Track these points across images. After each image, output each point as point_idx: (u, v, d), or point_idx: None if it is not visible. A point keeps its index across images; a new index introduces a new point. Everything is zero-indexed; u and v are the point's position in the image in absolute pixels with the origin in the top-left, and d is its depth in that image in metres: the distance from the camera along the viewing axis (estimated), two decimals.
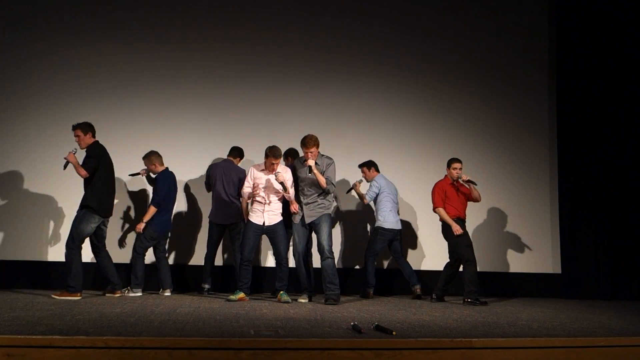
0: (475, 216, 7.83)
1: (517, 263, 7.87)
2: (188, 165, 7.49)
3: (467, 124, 8.03)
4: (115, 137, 6.98)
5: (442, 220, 6.77)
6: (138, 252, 6.55)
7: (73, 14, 7.60)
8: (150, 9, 7.73)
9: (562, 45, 8.17)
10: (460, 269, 6.79)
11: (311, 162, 6.13)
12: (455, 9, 8.21)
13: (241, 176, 6.83)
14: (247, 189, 6.26)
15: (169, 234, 6.92)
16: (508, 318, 5.13)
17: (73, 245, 5.99)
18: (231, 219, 6.85)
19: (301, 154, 6.44)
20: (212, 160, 7.43)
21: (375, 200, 7.16)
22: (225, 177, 6.85)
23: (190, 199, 7.52)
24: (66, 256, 6.01)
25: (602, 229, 7.84)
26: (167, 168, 6.73)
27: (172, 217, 6.85)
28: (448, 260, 6.89)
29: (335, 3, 8.04)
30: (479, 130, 8.03)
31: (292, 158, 6.99)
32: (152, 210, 6.53)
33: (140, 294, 6.46)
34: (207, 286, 6.82)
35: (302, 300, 6.20)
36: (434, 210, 6.83)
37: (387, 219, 7.03)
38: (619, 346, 3.90)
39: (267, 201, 6.18)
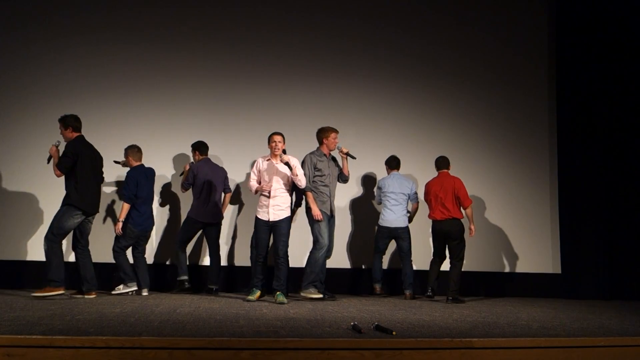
0: (475, 216, 7.84)
1: (517, 263, 7.87)
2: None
3: (467, 123, 8.03)
4: (114, 136, 7.00)
5: (469, 215, 6.90)
6: (117, 251, 6.46)
7: (73, 14, 7.60)
8: (150, 9, 7.73)
9: (562, 45, 8.17)
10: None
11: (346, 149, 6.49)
12: (456, 9, 8.21)
13: (224, 174, 7.02)
14: (253, 181, 6.14)
15: (150, 234, 6.76)
16: (508, 318, 5.12)
17: (53, 239, 5.91)
18: (215, 217, 6.87)
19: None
20: (211, 160, 7.45)
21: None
22: (213, 175, 6.85)
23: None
24: (46, 251, 5.91)
25: (602, 229, 7.83)
26: (141, 165, 6.63)
27: (153, 215, 6.72)
28: (432, 257, 7.05)
29: (335, 3, 8.04)
30: (479, 130, 8.04)
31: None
32: (125, 207, 6.43)
33: (135, 287, 6.42)
34: (186, 277, 6.77)
35: (317, 296, 6.21)
36: (469, 206, 6.86)
37: (384, 217, 7.09)
38: (619, 346, 3.90)
39: (273, 194, 6.04)
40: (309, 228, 6.50)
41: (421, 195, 7.28)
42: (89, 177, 6.09)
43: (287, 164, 5.98)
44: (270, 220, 6.04)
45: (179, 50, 7.68)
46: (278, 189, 6.06)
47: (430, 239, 7.23)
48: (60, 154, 6.08)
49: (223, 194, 7.04)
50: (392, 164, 7.28)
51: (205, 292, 6.84)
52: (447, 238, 6.86)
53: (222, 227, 7.13)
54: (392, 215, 7.06)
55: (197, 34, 7.75)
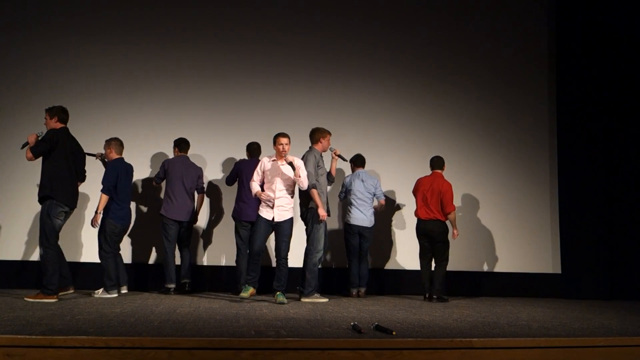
0: (475, 216, 7.86)
1: (517, 263, 7.87)
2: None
3: (468, 123, 8.03)
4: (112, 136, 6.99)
5: (452, 220, 6.89)
6: (106, 251, 6.27)
7: (73, 14, 7.61)
8: (150, 9, 7.74)
9: (562, 45, 8.18)
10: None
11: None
12: (456, 9, 8.21)
13: (199, 173, 6.94)
14: (254, 183, 6.02)
15: (128, 231, 6.65)
16: (508, 318, 5.12)
17: (48, 244, 5.61)
18: (185, 216, 6.82)
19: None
20: (210, 160, 7.45)
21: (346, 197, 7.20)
22: (185, 173, 6.80)
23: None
24: (42, 256, 5.68)
25: (602, 229, 7.84)
26: (122, 158, 6.45)
27: (131, 212, 6.55)
28: (420, 260, 6.98)
29: (335, 3, 8.04)
30: (479, 130, 8.04)
31: (249, 153, 6.99)
32: (104, 198, 6.19)
33: (116, 295, 6.23)
34: (173, 285, 6.66)
35: (322, 300, 6.23)
36: (451, 212, 6.84)
37: (352, 215, 7.04)
38: (619, 346, 3.90)
39: (278, 195, 5.95)
40: (300, 229, 6.48)
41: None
42: (71, 171, 5.80)
43: (290, 164, 5.92)
44: (275, 220, 5.98)
45: (178, 51, 7.68)
46: (282, 189, 6.00)
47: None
48: None
49: (196, 194, 6.96)
50: (358, 162, 7.27)
51: (177, 289, 6.73)
52: (430, 238, 6.87)
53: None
54: (361, 215, 7.05)
55: (197, 35, 7.75)
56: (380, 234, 7.69)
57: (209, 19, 7.80)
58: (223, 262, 7.45)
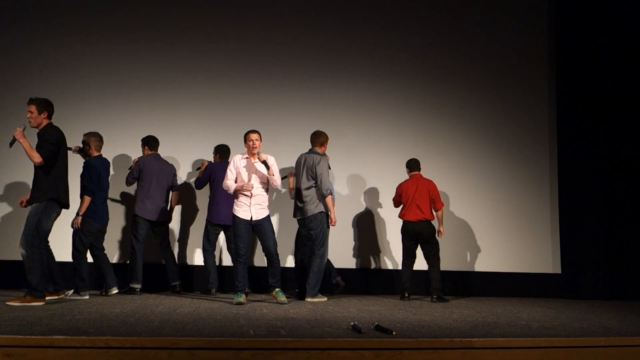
0: (475, 216, 7.86)
1: (517, 263, 7.87)
2: (187, 164, 7.51)
3: (467, 123, 8.04)
4: (114, 136, 6.99)
5: (440, 217, 6.95)
6: (80, 250, 6.14)
7: (73, 14, 7.61)
8: (150, 8, 7.74)
9: (562, 45, 8.18)
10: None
11: None
12: (456, 9, 8.22)
13: (174, 171, 6.88)
14: (229, 181, 5.89)
15: (106, 228, 6.47)
16: (508, 318, 5.12)
17: (34, 244, 5.23)
18: (161, 216, 6.74)
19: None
20: (209, 160, 7.44)
21: None
22: (160, 172, 6.72)
23: (190, 198, 7.51)
24: (28, 257, 5.22)
25: (602, 229, 7.84)
26: (100, 155, 6.31)
27: (107, 208, 6.39)
28: (403, 260, 7.00)
29: (335, 3, 8.04)
30: (479, 130, 8.05)
31: (220, 155, 6.95)
32: (87, 200, 6.04)
33: (87, 296, 6.04)
34: (139, 286, 6.54)
35: (324, 299, 6.33)
36: (441, 209, 6.90)
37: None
38: (619, 346, 3.90)
39: (254, 193, 5.85)
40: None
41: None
42: (66, 169, 5.56)
43: (264, 162, 5.84)
44: (253, 219, 5.86)
45: (177, 51, 7.68)
46: (258, 187, 5.89)
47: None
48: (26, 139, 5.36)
49: (171, 193, 6.87)
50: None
51: (170, 291, 6.75)
52: (419, 239, 6.89)
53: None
54: None
55: (197, 35, 7.74)
56: (379, 234, 7.69)
57: (208, 19, 7.80)
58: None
